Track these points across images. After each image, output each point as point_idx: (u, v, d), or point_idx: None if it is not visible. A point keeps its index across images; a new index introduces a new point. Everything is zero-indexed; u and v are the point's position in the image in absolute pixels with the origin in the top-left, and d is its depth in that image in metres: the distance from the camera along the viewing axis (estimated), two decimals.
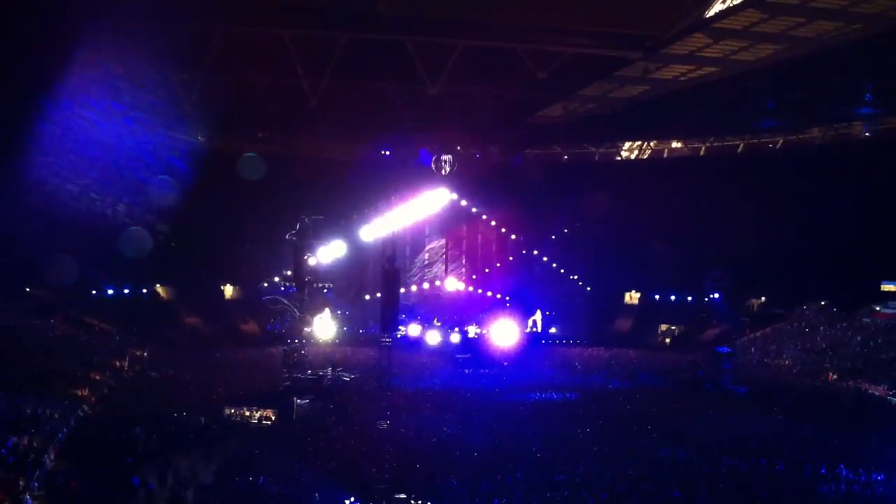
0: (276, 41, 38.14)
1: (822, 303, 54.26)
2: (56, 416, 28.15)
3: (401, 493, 20.26)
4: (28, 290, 48.63)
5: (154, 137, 47.55)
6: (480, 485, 21.22)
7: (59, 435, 26.14)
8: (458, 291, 62.48)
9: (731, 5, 34.86)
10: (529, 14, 37.56)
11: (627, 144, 65.25)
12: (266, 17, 36.60)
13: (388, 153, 58.05)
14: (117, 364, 41.27)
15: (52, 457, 23.79)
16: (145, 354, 44.75)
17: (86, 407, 31.33)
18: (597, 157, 65.57)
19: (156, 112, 43.98)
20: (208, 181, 48.42)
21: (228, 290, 60.44)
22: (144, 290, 56.75)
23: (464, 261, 64.50)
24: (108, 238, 46.21)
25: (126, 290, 54.70)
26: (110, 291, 54.02)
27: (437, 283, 61.63)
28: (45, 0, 30.83)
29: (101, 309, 50.50)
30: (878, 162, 48.66)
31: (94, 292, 52.62)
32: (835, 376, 44.00)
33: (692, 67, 43.44)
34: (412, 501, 19.90)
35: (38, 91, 34.87)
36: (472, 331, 54.65)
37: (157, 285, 57.83)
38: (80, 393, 32.98)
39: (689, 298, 60.56)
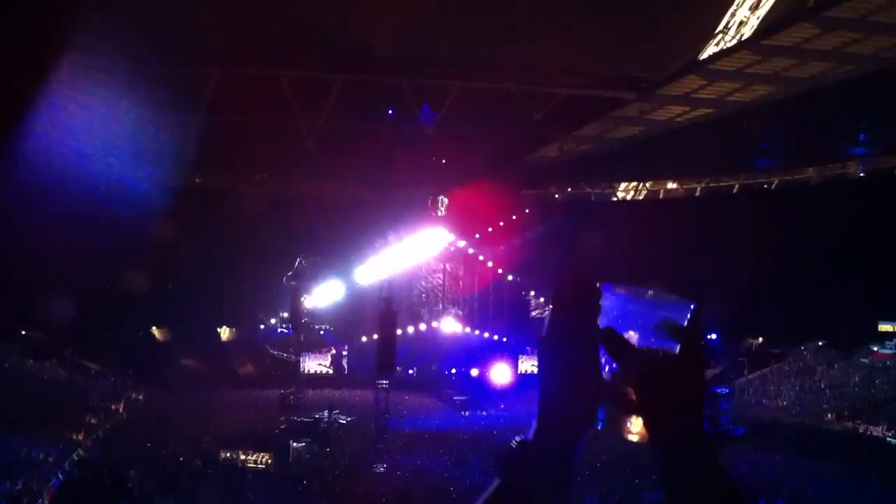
0: (273, 82, 38.45)
1: (820, 343, 54.10)
2: (50, 459, 27.91)
3: None
4: (24, 332, 48.45)
5: (149, 178, 47.65)
6: None
7: (54, 479, 25.90)
8: (455, 333, 62.26)
9: (725, 47, 35.24)
10: (525, 55, 37.94)
11: (623, 185, 65.49)
12: (263, 59, 36.93)
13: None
14: (112, 407, 41.01)
15: (45, 501, 23.55)
16: (141, 397, 44.46)
17: (80, 450, 31.08)
18: (593, 198, 65.77)
19: (151, 152, 44.13)
20: (204, 222, 48.39)
21: (225, 332, 60.20)
22: (140, 332, 56.49)
23: (461, 301, 64.35)
24: (103, 280, 46.12)
25: (122, 332, 54.42)
26: (106, 334, 53.74)
27: (435, 324, 61.37)
28: (36, 35, 30.96)
29: (96, 351, 50.25)
30: (873, 201, 48.78)
31: (89, 334, 52.35)
32: (833, 416, 43.77)
33: (687, 108, 43.80)
34: None
35: (28, 131, 34.97)
36: (473, 372, 54.44)
37: (153, 327, 57.61)
38: (74, 436, 32.74)
39: None
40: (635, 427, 1.97)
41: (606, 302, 2.01)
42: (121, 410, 41.22)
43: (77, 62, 31.79)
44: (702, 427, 1.99)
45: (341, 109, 40.54)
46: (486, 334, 63.57)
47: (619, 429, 1.99)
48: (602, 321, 2.00)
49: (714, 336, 57.66)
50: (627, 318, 1.99)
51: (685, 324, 1.97)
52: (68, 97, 34.71)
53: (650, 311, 1.97)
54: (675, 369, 1.95)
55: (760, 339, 59.42)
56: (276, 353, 46.88)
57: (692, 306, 2.02)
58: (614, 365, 1.99)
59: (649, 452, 1.99)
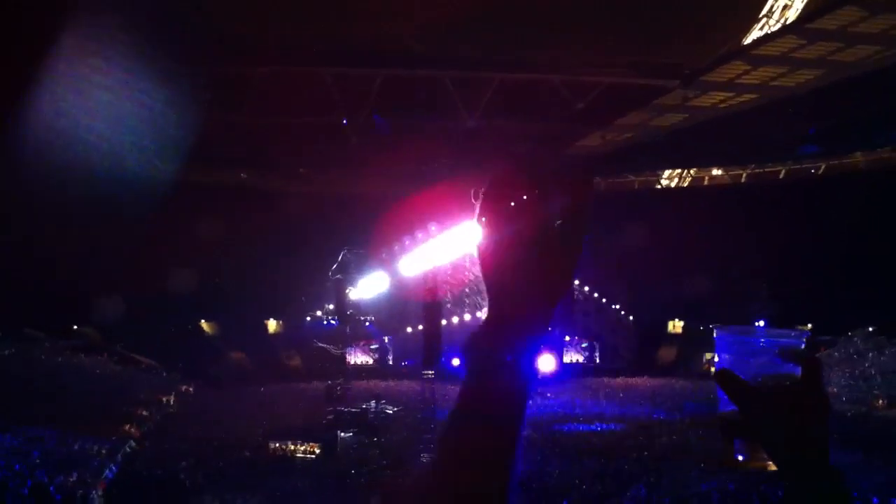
0: (316, 80, 38.75)
1: (870, 329, 53.38)
2: (103, 452, 28.49)
3: None
4: (75, 327, 49.42)
5: (196, 176, 48.28)
6: None
7: (106, 471, 26.44)
8: None
9: (769, 32, 34.86)
10: (565, 46, 37.81)
11: (667, 173, 65.01)
12: (306, 57, 37.24)
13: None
14: (163, 400, 41.70)
15: (99, 493, 24.06)
16: (191, 390, 45.15)
17: (132, 443, 31.68)
18: (636, 186, 65.38)
19: (199, 150, 44.68)
20: (251, 219, 49.00)
21: (272, 325, 60.88)
22: (189, 326, 57.33)
23: None
24: (153, 276, 46.86)
25: (171, 327, 55.28)
26: (156, 328, 54.62)
27: (479, 314, 61.50)
28: (81, 41, 31.42)
29: (146, 345, 51.10)
30: None
31: (139, 329, 53.25)
32: (885, 403, 43.22)
33: (731, 94, 43.34)
34: None
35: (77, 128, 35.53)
36: None
37: (202, 321, 58.41)
38: (126, 429, 33.37)
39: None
40: (762, 458, 2.00)
41: (721, 346, 2.05)
42: (171, 403, 41.89)
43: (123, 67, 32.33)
44: (827, 453, 1.99)
45: (383, 106, 40.75)
46: None
47: (748, 461, 2.02)
48: (719, 364, 2.03)
49: (762, 323, 57.09)
50: (744, 357, 2.01)
51: (804, 348, 2.01)
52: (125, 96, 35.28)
53: (767, 345, 2.01)
54: (797, 398, 1.94)
55: (809, 326, 58.76)
56: (322, 345, 47.22)
57: (806, 334, 2.07)
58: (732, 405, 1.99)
59: (777, 482, 2.01)
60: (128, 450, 30.49)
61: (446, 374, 49.77)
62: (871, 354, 50.82)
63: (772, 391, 1.95)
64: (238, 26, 36.45)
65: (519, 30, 38.81)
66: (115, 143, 40.25)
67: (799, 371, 1.94)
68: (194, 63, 34.97)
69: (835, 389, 47.63)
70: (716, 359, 2.06)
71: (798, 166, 59.68)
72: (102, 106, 35.41)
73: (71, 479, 23.98)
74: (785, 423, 1.92)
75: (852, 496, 1.78)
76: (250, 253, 51.31)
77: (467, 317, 58.44)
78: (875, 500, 23.19)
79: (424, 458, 28.99)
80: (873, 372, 48.18)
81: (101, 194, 41.00)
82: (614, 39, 37.66)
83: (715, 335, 2.07)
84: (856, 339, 53.67)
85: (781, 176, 60.49)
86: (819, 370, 1.96)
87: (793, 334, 2.06)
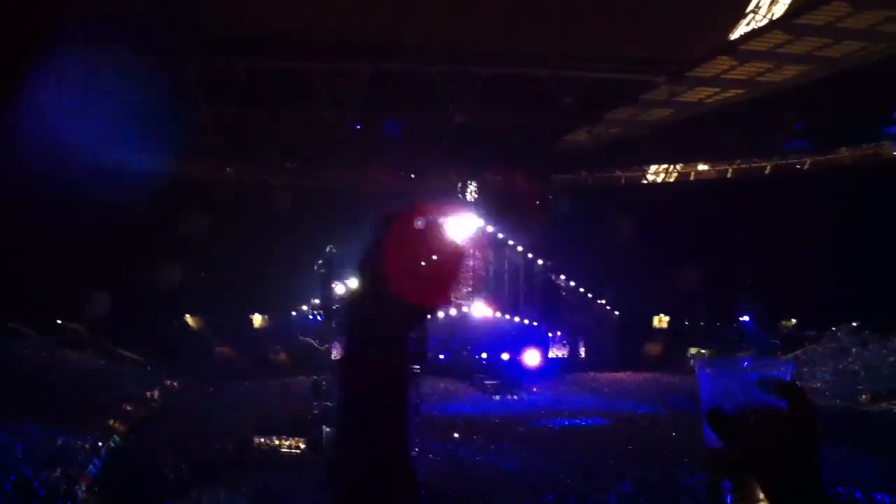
0: (303, 74, 38.63)
1: (854, 324, 53.63)
2: (87, 447, 28.35)
3: None
4: (60, 322, 49.15)
5: (182, 170, 48.10)
6: None
7: (91, 466, 26.31)
8: (486, 317, 62.36)
9: (756, 27, 34.94)
10: (553, 41, 37.82)
11: (654, 168, 65.10)
12: (292, 51, 37.11)
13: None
14: (148, 395, 41.53)
15: (83, 488, 23.95)
16: (176, 384, 44.97)
17: (117, 437, 31.53)
18: (623, 181, 65.44)
19: (183, 145, 44.54)
20: (235, 212, 48.85)
21: (257, 320, 60.67)
22: (174, 321, 57.08)
23: (491, 286, 64.38)
24: (138, 271, 46.71)
25: (156, 321, 55.00)
26: (141, 323, 54.37)
27: (465, 309, 61.51)
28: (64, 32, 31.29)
29: (131, 340, 50.86)
30: None
31: (124, 324, 53.02)
32: (868, 398, 43.45)
33: (718, 90, 43.53)
34: None
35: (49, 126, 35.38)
36: (504, 356, 54.54)
37: (187, 316, 58.19)
38: (111, 424, 33.20)
39: (719, 322, 60.03)
40: (753, 498, 1.94)
41: (702, 380, 1.99)
42: (156, 398, 41.72)
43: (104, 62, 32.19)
44: (821, 484, 1.95)
45: (371, 100, 40.69)
46: (517, 318, 63.64)
47: (741, 498, 1.96)
48: (704, 400, 1.98)
49: (747, 318, 57.36)
50: (727, 391, 1.95)
51: (789, 379, 1.96)
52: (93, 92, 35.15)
53: (751, 377, 1.95)
54: (786, 428, 1.91)
55: (794, 321, 58.99)
56: (307, 340, 47.11)
57: (791, 366, 2.01)
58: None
59: None
60: (112, 445, 30.34)
61: (432, 367, 49.92)
62: (854, 349, 51.07)
63: (759, 424, 1.90)
64: (225, 20, 36.31)
65: (507, 22, 38.79)
66: (99, 137, 40.09)
67: (785, 403, 1.89)
68: (181, 57, 34.82)
69: (818, 384, 47.87)
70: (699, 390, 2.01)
71: (784, 162, 59.85)
72: (85, 99, 35.25)
73: (55, 475, 23.85)
74: (775, 456, 1.87)
75: None
76: (236, 247, 51.17)
77: (453, 311, 58.36)
78: (857, 494, 23.31)
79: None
80: (857, 367, 48.42)
81: (87, 189, 40.87)
82: (602, 35, 37.68)
83: (696, 369, 2.02)
84: (840, 334, 53.90)
85: (767, 171, 60.64)
86: (806, 401, 1.94)
87: (779, 365, 2.01)
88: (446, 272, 2.00)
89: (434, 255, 1.95)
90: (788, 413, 1.93)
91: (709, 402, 1.95)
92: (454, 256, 2.02)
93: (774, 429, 1.90)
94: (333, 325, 37.37)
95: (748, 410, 1.89)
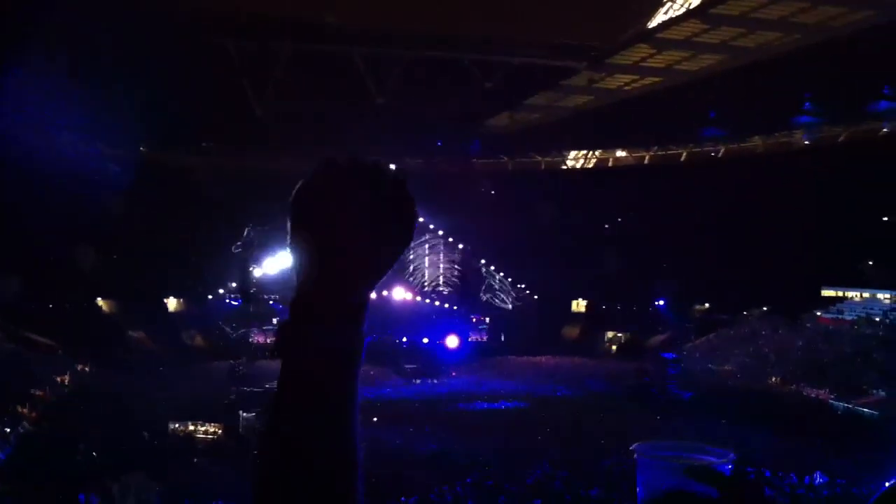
0: (221, 51, 37.88)
1: (765, 308, 55.03)
2: None
3: None
4: None
5: (94, 150, 46.86)
6: (429, 495, 21.16)
7: (0, 453, 25.59)
8: (406, 301, 62.35)
9: (674, 16, 35.40)
10: (476, 26, 37.82)
11: (573, 153, 65.74)
12: (210, 27, 36.34)
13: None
14: (59, 379, 40.47)
15: None
16: (87, 369, 43.92)
17: (26, 423, 30.69)
18: (543, 166, 65.94)
19: (95, 125, 43.35)
20: (151, 193, 47.81)
21: (172, 303, 59.56)
22: (85, 304, 55.66)
23: (412, 271, 64.40)
24: (47, 252, 45.42)
25: (66, 304, 53.57)
26: (50, 306, 52.87)
27: (385, 293, 61.37)
28: None
29: (41, 324, 49.42)
30: (817, 170, 49.58)
31: (33, 307, 51.49)
32: (778, 380, 44.65)
33: (636, 77, 44.11)
34: None
35: None
36: (423, 340, 54.58)
37: (99, 299, 56.82)
38: (20, 409, 32.30)
39: (635, 307, 60.99)
40: None
41: (640, 468, 1.90)
42: (67, 383, 40.69)
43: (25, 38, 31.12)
44: None
45: (291, 80, 40.10)
46: (437, 303, 63.79)
47: None
48: (640, 489, 1.88)
49: (662, 303, 58.44)
50: (664, 479, 1.86)
51: (728, 472, 1.86)
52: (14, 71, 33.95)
53: (685, 465, 1.85)
54: None
55: (707, 306, 60.32)
56: (223, 325, 46.49)
57: (731, 456, 1.92)
58: None
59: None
60: (21, 431, 29.55)
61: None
62: (765, 333, 52.43)
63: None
64: None
65: (430, 6, 38.63)
66: (5, 119, 38.87)
67: (717, 494, 1.78)
68: (94, 36, 33.85)
69: (730, 367, 49.07)
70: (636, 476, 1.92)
71: (699, 149, 61.04)
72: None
73: None
74: None
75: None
76: (150, 229, 50.07)
77: (373, 295, 58.02)
78: (767, 473, 23.97)
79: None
80: (768, 350, 49.72)
81: None
82: (524, 21, 37.81)
83: (635, 455, 1.94)
84: (751, 318, 55.28)
85: (683, 158, 61.78)
86: (742, 493, 1.80)
87: (719, 454, 1.93)
88: (400, 213, 1.73)
89: (380, 198, 1.67)
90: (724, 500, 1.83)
91: (644, 491, 1.89)
92: (403, 195, 1.73)
93: None
94: (252, 309, 36.93)
95: (683, 500, 1.82)
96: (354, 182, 1.65)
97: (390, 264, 1.73)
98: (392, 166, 1.75)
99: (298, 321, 1.63)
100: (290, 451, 1.57)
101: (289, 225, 1.72)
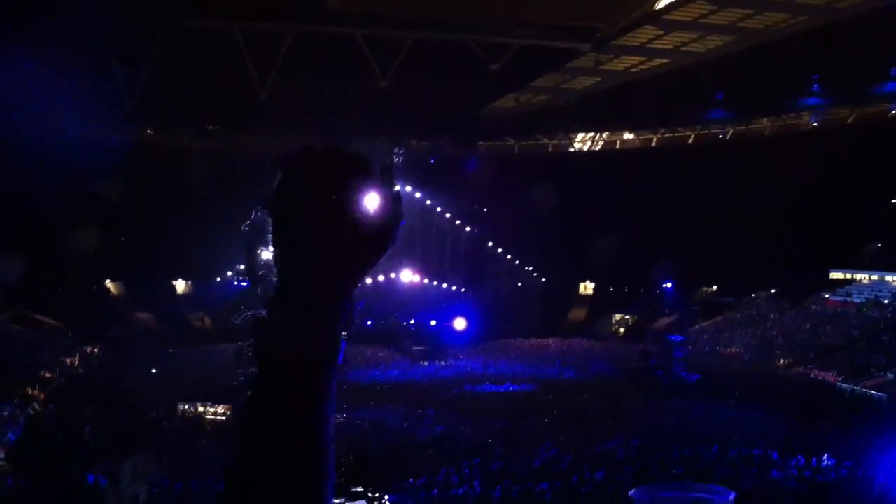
0: (224, 34, 37.72)
1: (773, 291, 55.00)
2: (5, 414, 27.71)
3: (357, 486, 20.20)
4: None
5: (98, 134, 46.87)
6: (436, 476, 21.24)
7: (9, 433, 25.74)
8: (413, 284, 62.43)
9: None
10: (480, 7, 37.58)
11: (580, 136, 65.59)
12: (212, 9, 36.19)
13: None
14: (67, 361, 40.67)
15: (2, 457, 23.42)
16: (96, 351, 44.11)
17: (35, 405, 30.86)
18: (550, 149, 65.79)
19: (98, 109, 43.30)
20: (156, 176, 47.89)
21: (180, 286, 59.73)
22: (94, 287, 55.87)
23: (419, 253, 64.39)
24: (55, 235, 45.54)
25: (75, 287, 53.75)
26: (59, 288, 53.06)
27: (392, 275, 61.41)
28: None
29: (49, 306, 49.63)
30: (825, 151, 49.36)
31: (42, 289, 51.67)
32: (785, 363, 44.66)
33: (643, 59, 43.81)
34: (368, 494, 19.85)
35: None
36: (431, 323, 54.60)
37: (107, 281, 57.00)
38: (29, 391, 32.48)
39: (642, 289, 60.94)
40: None
41: None
42: (76, 365, 40.89)
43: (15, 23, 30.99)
44: None
45: (294, 62, 39.86)
46: (445, 285, 63.84)
47: None
48: None
49: (669, 285, 58.39)
50: None
51: None
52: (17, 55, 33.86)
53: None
54: None
55: (714, 288, 60.32)
56: (230, 308, 46.65)
57: (732, 495, 1.91)
58: None
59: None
60: (31, 412, 29.72)
61: (360, 334, 49.82)
62: (772, 316, 52.42)
63: None
64: None
65: None
66: (10, 104, 38.85)
67: None
68: (96, 19, 33.73)
69: (737, 350, 49.09)
70: None
71: (706, 131, 60.82)
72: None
73: None
74: None
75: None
76: (157, 211, 50.14)
77: (381, 277, 58.21)
78: (775, 455, 24.00)
79: (336, 418, 28.87)
80: (774, 333, 49.71)
81: (2, 155, 39.64)
82: (529, 2, 37.52)
83: (635, 496, 1.93)
84: (758, 301, 55.26)
85: (691, 140, 61.58)
86: None
87: (718, 492, 1.93)
88: (382, 216, 1.69)
89: (362, 198, 1.65)
90: None
91: None
92: (387, 199, 1.69)
93: None
94: (259, 292, 36.95)
95: None
96: (332, 174, 1.66)
97: (371, 263, 1.71)
98: (371, 156, 1.72)
99: (275, 317, 1.65)
100: (262, 443, 1.67)
101: (269, 220, 1.72)
